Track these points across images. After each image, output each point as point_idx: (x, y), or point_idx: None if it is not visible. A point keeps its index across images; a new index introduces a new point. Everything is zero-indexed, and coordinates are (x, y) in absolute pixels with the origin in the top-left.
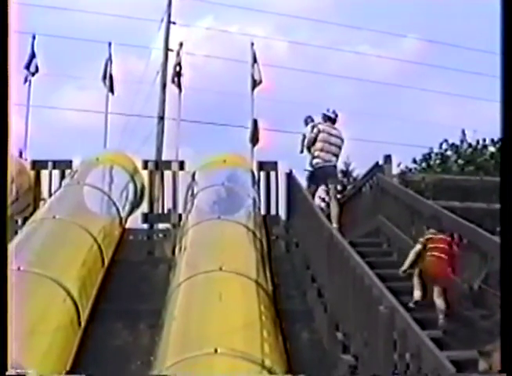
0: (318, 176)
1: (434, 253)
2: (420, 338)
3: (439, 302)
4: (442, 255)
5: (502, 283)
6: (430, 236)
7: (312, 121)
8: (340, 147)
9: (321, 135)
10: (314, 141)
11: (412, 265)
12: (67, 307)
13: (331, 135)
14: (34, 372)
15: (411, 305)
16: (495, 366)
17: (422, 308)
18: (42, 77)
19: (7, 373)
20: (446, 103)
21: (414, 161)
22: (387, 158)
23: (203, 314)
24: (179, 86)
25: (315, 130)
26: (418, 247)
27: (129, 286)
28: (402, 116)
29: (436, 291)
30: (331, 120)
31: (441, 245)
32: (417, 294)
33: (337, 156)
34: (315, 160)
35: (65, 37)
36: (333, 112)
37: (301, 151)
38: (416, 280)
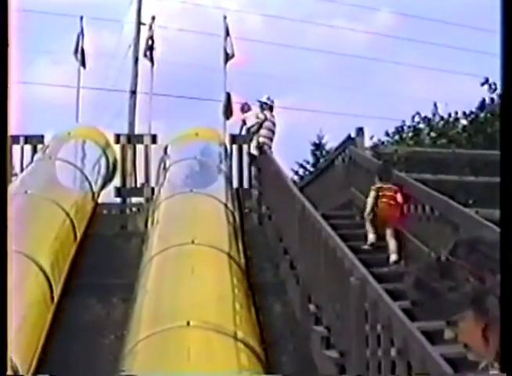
0: None
1: (383, 200)
2: (391, 308)
3: (392, 243)
4: (391, 201)
5: (503, 281)
6: (380, 185)
7: (249, 108)
8: (275, 134)
9: (266, 123)
10: (259, 127)
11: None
12: (40, 282)
13: (272, 122)
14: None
15: (366, 247)
16: (461, 337)
17: (393, 278)
18: (13, 51)
19: (7, 373)
20: (419, 76)
21: (387, 134)
22: (360, 131)
23: (175, 287)
24: (151, 60)
25: (262, 116)
26: (373, 193)
27: (102, 260)
28: (375, 89)
29: (388, 232)
30: (269, 107)
31: (389, 193)
32: (372, 236)
33: (272, 142)
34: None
35: (37, 12)
36: (269, 98)
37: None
38: (368, 225)
